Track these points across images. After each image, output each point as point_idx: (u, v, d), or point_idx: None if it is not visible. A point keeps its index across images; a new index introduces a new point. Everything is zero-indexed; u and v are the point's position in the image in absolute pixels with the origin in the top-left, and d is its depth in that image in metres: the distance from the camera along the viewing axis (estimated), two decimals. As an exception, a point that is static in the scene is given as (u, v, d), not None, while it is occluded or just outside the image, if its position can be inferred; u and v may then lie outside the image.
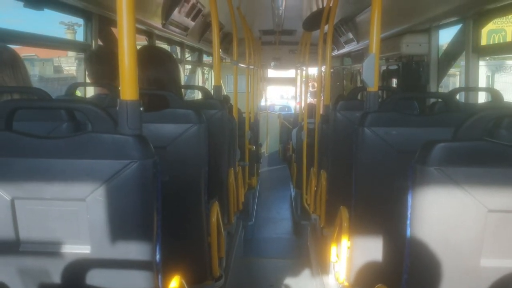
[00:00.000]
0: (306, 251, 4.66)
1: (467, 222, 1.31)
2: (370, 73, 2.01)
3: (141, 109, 1.27)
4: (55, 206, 1.28)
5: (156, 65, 2.18)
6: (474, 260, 1.33)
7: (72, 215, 1.28)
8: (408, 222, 1.38)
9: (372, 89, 2.07)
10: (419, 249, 1.35)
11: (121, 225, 1.28)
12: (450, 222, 1.32)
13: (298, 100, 9.21)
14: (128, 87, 1.23)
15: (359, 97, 3.35)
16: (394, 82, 5.32)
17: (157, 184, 1.30)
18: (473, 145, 1.32)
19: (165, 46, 5.40)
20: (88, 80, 3.09)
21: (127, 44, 1.20)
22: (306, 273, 4.09)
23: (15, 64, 1.98)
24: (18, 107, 1.34)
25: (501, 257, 1.33)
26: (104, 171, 1.25)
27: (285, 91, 14.21)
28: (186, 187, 2.09)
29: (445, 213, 1.31)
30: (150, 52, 2.28)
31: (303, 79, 7.83)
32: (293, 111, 12.18)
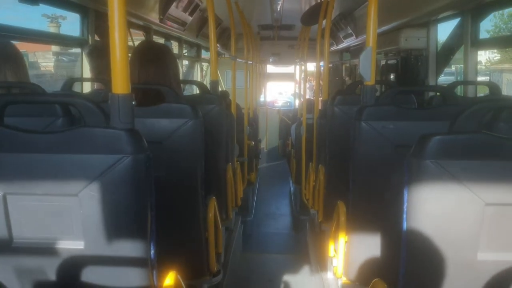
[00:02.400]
0: (305, 246, 4.67)
1: (464, 216, 1.30)
2: (367, 66, 2.00)
3: (134, 103, 1.26)
4: (48, 201, 1.27)
5: (155, 60, 2.17)
6: (471, 253, 1.32)
7: (65, 210, 1.27)
8: (404, 216, 1.37)
9: (369, 82, 2.05)
10: (415, 243, 1.34)
11: (115, 221, 1.27)
12: (446, 215, 1.31)
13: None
14: (120, 81, 1.22)
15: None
16: (393, 76, 5.30)
17: (151, 179, 1.29)
18: (470, 137, 1.31)
19: (161, 41, 5.37)
20: (88, 75, 3.08)
21: (118, 37, 1.19)
22: (304, 268, 4.09)
23: (18, 59, 1.98)
24: (9, 102, 1.33)
25: (498, 250, 1.32)
26: (97, 166, 1.24)
27: (284, 88, 14.14)
28: (183, 182, 2.08)
29: (441, 207, 1.30)
30: (149, 47, 2.27)
31: (302, 75, 7.81)
32: (292, 107, 12.16)
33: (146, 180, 1.27)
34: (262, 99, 11.62)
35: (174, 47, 6.07)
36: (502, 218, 1.30)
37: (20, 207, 1.27)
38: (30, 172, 1.25)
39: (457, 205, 1.30)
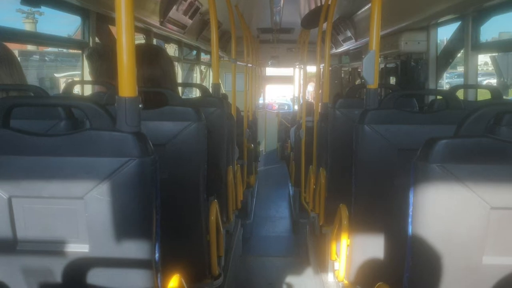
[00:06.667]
0: (304, 249, 4.66)
1: (470, 220, 1.30)
2: (370, 70, 2.00)
3: (140, 106, 1.26)
4: (53, 204, 1.26)
5: (149, 62, 2.14)
6: (476, 257, 1.32)
7: (70, 213, 1.26)
8: (409, 219, 1.37)
9: (372, 86, 2.05)
10: (421, 247, 1.34)
11: (120, 224, 1.27)
12: (452, 219, 1.31)
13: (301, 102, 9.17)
14: (127, 84, 1.22)
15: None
16: (392, 80, 5.31)
17: (156, 182, 1.29)
18: (476, 141, 1.31)
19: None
20: (89, 78, 3.08)
21: (126, 40, 1.19)
22: (305, 271, 4.09)
23: (11, 60, 1.95)
24: (15, 104, 1.32)
25: (504, 254, 1.32)
26: (103, 169, 1.23)
27: (282, 92, 14.11)
28: (185, 185, 2.07)
29: (447, 211, 1.30)
30: (143, 49, 2.24)
31: (301, 77, 7.82)
32: (291, 109, 12.18)
33: (152, 183, 1.27)
34: (261, 101, 11.63)
35: (174, 49, 6.06)
36: (507, 222, 1.30)
37: (25, 209, 1.27)
38: (36, 175, 1.25)
39: (463, 209, 1.30)
